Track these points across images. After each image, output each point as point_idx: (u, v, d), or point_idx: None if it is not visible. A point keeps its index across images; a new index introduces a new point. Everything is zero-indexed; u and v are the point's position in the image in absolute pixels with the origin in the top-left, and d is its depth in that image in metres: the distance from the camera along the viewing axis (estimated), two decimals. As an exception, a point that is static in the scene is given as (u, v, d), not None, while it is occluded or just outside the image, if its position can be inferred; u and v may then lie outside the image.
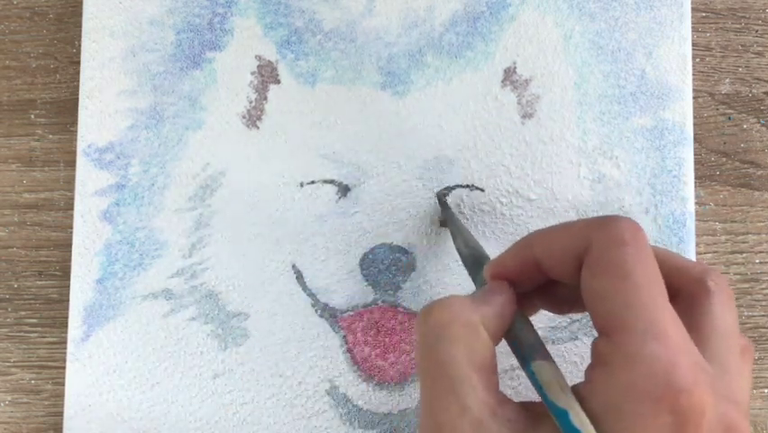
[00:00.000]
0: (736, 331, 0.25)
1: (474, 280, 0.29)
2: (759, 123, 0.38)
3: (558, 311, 0.29)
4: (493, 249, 0.35)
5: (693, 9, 0.36)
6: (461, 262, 0.31)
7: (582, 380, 0.24)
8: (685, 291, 0.26)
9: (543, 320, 0.34)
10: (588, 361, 0.24)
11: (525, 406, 0.24)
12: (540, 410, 0.24)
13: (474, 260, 0.30)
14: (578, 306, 0.27)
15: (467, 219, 0.35)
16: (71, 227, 0.36)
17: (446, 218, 0.34)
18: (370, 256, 0.35)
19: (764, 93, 0.38)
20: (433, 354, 0.24)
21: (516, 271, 0.27)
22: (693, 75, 0.36)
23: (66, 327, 0.35)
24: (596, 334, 0.24)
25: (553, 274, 0.26)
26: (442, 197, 0.35)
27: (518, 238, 0.27)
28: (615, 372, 0.22)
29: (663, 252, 0.27)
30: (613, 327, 0.23)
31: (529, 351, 0.25)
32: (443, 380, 0.24)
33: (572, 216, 0.35)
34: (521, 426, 0.23)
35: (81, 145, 0.36)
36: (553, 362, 0.25)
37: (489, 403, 0.23)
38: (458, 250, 0.32)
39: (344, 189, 0.35)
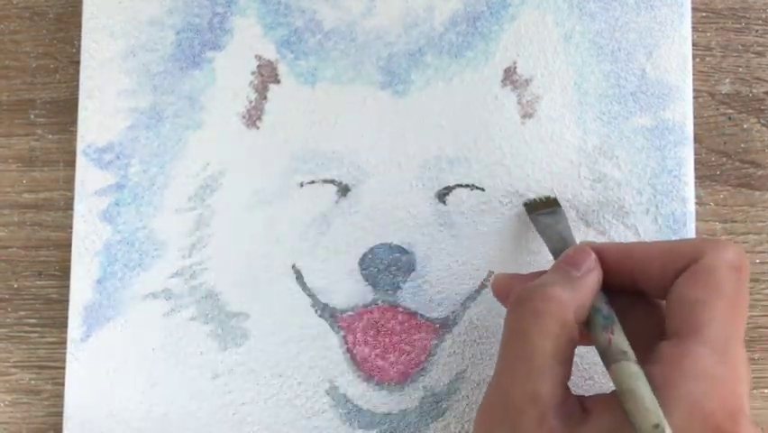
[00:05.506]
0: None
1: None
2: (759, 123, 0.38)
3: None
4: (493, 249, 0.35)
5: (693, 9, 0.36)
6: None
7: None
8: None
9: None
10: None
11: (581, 400, 0.25)
12: (588, 405, 0.25)
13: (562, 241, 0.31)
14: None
15: (467, 219, 0.35)
16: (71, 227, 0.36)
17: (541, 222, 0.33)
18: (370, 256, 0.35)
19: (765, 93, 0.38)
20: (522, 342, 0.25)
21: (610, 264, 0.28)
22: (693, 75, 0.36)
23: (65, 327, 0.35)
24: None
25: (643, 282, 0.27)
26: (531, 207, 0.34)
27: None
28: (679, 381, 0.23)
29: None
30: (689, 332, 0.24)
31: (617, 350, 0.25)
32: (526, 364, 0.25)
33: (572, 216, 0.35)
34: (574, 421, 0.24)
35: (81, 145, 0.36)
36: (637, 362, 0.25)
37: (557, 397, 0.24)
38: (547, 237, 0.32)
39: (344, 189, 0.35)
